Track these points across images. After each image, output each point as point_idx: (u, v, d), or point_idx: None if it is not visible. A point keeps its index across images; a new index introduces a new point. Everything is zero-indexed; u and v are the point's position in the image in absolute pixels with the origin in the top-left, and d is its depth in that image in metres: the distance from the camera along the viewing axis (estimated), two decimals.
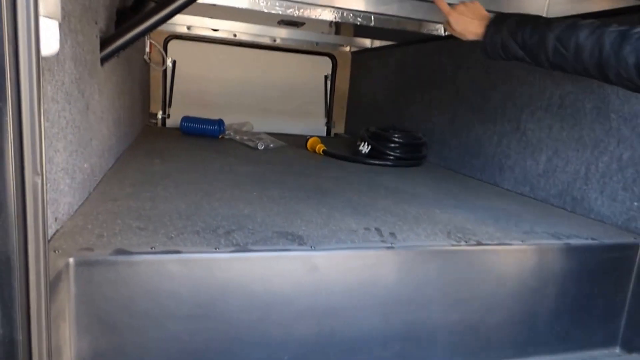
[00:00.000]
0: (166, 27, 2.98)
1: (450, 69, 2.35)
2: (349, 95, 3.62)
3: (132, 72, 2.11)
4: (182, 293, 0.89)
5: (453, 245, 1.11)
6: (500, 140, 1.97)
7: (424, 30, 2.39)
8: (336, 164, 2.20)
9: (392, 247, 1.05)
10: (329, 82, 3.54)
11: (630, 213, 1.39)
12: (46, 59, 0.80)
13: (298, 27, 2.59)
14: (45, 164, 0.56)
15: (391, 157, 2.27)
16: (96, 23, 1.22)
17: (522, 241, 1.19)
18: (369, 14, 2.08)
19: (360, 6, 1.79)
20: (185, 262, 0.90)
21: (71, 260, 0.81)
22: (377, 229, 1.17)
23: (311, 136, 2.64)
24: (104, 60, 1.29)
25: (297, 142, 2.72)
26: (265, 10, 1.97)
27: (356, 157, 2.32)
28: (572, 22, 1.04)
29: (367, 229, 1.16)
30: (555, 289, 1.20)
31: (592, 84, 1.56)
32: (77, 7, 1.03)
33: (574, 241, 1.23)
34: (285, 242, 1.00)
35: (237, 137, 2.66)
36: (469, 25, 1.21)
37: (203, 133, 2.70)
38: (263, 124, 3.06)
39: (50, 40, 0.65)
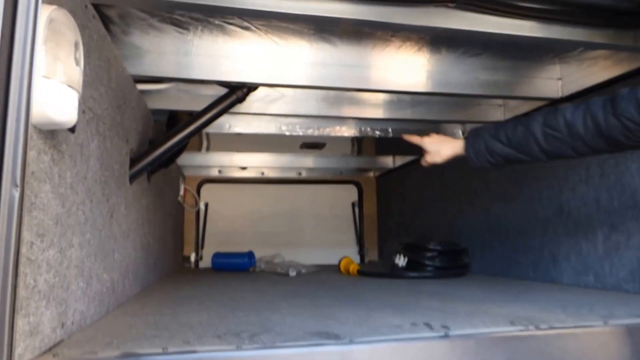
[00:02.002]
0: (199, 172, 3.18)
1: (475, 170, 2.32)
2: (378, 219, 3.58)
3: (165, 206, 2.18)
4: None
5: (521, 331, 0.93)
6: (546, 228, 1.81)
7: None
8: (372, 280, 2.06)
9: (446, 337, 0.88)
10: (356, 209, 3.54)
11: None
12: (67, 142, 0.81)
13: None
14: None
15: (430, 268, 2.12)
16: (127, 141, 1.30)
17: (604, 323, 0.98)
18: (386, 125, 2.16)
19: (376, 114, 1.87)
20: None
21: None
22: (427, 324, 1.00)
23: (344, 257, 2.54)
24: (132, 178, 1.33)
25: (331, 269, 2.62)
26: (287, 133, 2.09)
27: (393, 272, 2.17)
28: (551, 107, 1.07)
29: (414, 324, 1.00)
30: None
31: None
32: (107, 116, 1.10)
33: None
34: (318, 339, 0.85)
35: (268, 269, 2.59)
36: (444, 144, 1.26)
37: (233, 267, 2.66)
38: (294, 256, 2.99)
39: (68, 107, 0.67)
